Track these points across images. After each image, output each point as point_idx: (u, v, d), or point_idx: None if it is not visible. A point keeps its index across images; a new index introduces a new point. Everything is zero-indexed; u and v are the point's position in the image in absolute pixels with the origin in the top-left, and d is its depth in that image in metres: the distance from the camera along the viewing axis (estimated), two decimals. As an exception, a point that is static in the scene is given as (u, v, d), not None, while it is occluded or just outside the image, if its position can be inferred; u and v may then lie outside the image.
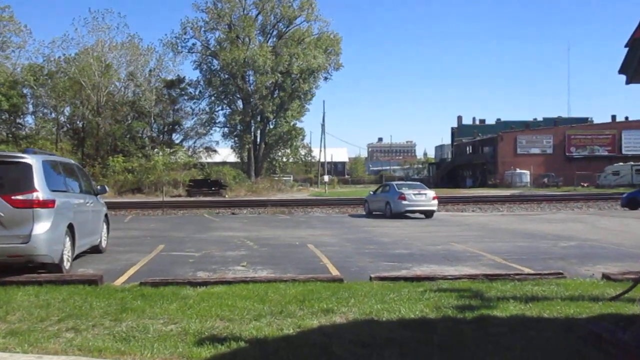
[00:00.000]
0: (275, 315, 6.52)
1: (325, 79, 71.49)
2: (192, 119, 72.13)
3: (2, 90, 63.04)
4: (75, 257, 10.80)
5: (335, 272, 9.71)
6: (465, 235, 16.77)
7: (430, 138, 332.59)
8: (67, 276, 8.47)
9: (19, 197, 8.48)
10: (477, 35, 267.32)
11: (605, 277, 8.74)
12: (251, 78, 67.64)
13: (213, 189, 55.00)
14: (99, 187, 12.26)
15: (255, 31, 67.99)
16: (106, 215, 12.63)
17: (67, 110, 71.34)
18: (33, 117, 71.44)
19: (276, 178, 69.77)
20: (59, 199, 9.13)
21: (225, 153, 74.06)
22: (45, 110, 71.73)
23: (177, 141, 71.15)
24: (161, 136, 71.75)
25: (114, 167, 58.87)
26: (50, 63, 68.86)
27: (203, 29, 68.44)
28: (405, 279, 8.60)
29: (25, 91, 67.41)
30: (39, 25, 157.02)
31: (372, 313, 6.59)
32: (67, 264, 9.30)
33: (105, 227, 12.51)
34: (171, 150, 64.99)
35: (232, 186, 58.19)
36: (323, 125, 75.67)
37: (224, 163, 69.16)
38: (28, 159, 8.82)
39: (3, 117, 66.55)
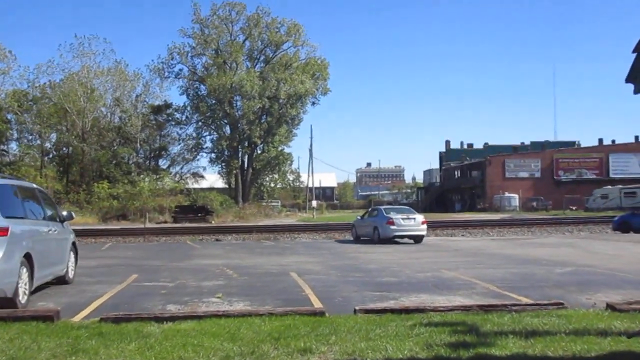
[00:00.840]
0: (246, 356, 5.77)
1: (313, 103, 71.38)
2: (179, 144, 71.58)
3: (-14, 117, 62.20)
4: (37, 290, 10.00)
5: (317, 304, 8.97)
6: (456, 261, 16.08)
7: (418, 163, 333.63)
8: (19, 312, 7.63)
9: None
10: (463, 60, 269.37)
11: (610, 307, 8.04)
12: (238, 103, 67.32)
13: (199, 215, 54.11)
14: (65, 213, 11.43)
15: (243, 56, 67.81)
16: (74, 244, 11.82)
17: (53, 136, 70.52)
18: (17, 143, 70.41)
19: (264, 204, 69.01)
20: (15, 226, 8.34)
21: (213, 179, 73.31)
22: (30, 137, 70.78)
23: (163, 167, 70.37)
24: (147, 162, 70.95)
25: (99, 193, 57.84)
26: (35, 89, 68.16)
27: (190, 54, 68.28)
28: (393, 311, 7.85)
29: (9, 117, 66.47)
30: (23, 51, 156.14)
31: (355, 353, 5.85)
32: (23, 298, 8.48)
33: (72, 256, 11.69)
34: (157, 176, 64.10)
35: (219, 212, 57.31)
36: (311, 151, 75.15)
37: (211, 189, 68.33)
38: None
39: (-13, 144, 65.59)
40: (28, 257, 8.70)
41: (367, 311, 7.86)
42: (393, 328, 6.84)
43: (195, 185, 70.40)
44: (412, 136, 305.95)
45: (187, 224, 45.42)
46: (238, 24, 68.38)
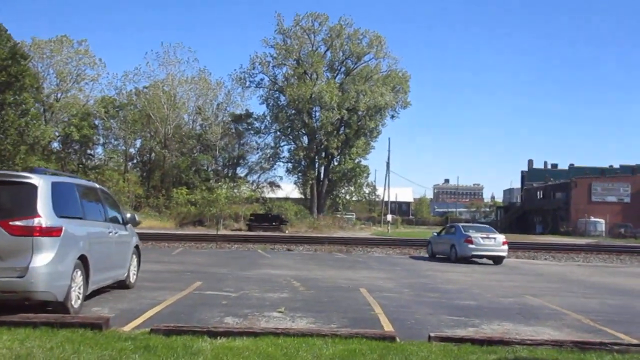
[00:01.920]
0: (301, 385, 5.02)
1: (392, 117, 70.13)
2: (257, 153, 72.00)
3: (74, 122, 64.66)
4: (95, 294, 9.63)
5: (387, 326, 8.11)
6: (540, 286, 14.78)
7: (498, 181, 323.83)
8: (68, 318, 7.19)
9: (17, 223, 7.32)
10: (549, 78, 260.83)
11: None
12: (317, 114, 66.99)
13: (274, 224, 54.18)
14: (129, 215, 11.06)
15: (323, 67, 67.62)
16: (137, 247, 11.42)
17: (137, 142, 72.66)
18: (103, 148, 72.93)
19: (338, 215, 68.35)
20: (69, 226, 7.93)
21: (289, 189, 73.32)
22: (115, 142, 73.16)
23: (241, 175, 71.03)
24: (225, 169, 71.82)
25: (177, 199, 58.90)
26: (122, 96, 70.45)
27: (271, 64, 68.61)
28: (473, 341, 6.90)
29: (96, 122, 68.92)
30: (112, 59, 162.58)
31: (429, 390, 4.99)
32: (76, 303, 8.04)
33: (135, 260, 11.31)
34: (234, 184, 64.74)
35: (293, 222, 57.19)
36: (388, 164, 73.95)
37: (286, 199, 68.32)
38: (33, 179, 7.69)
39: (74, 147, 68.16)
40: (83, 260, 8.29)
41: (444, 339, 6.95)
42: (474, 362, 5.92)
43: (272, 195, 70.67)
44: (493, 154, 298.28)
45: (261, 233, 45.42)
46: (320, 35, 68.34)
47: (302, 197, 72.09)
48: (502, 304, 10.95)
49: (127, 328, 7.34)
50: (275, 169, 73.07)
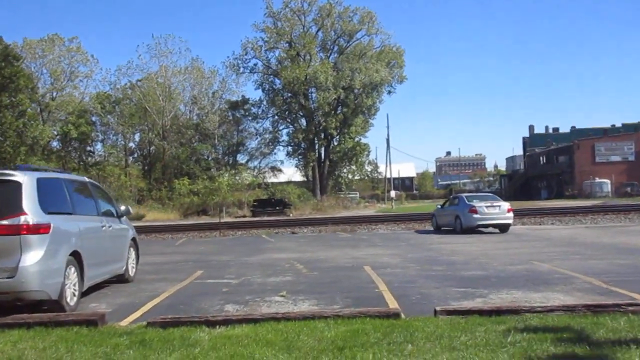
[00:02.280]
0: (302, 371, 4.79)
1: (389, 92, 69.54)
2: (256, 139, 71.64)
3: (72, 119, 64.40)
4: (93, 289, 9.43)
5: (392, 303, 7.88)
6: (549, 251, 14.55)
7: (500, 150, 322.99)
8: (62, 316, 6.95)
9: (3, 222, 7.07)
10: (545, 40, 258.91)
11: None
12: (313, 95, 66.54)
13: (277, 208, 54.03)
14: (122, 208, 10.80)
15: (316, 48, 66.92)
16: (134, 240, 11.19)
17: (136, 136, 72.40)
18: (102, 144, 72.71)
19: (342, 195, 68.12)
20: (58, 222, 7.68)
21: (290, 172, 73.06)
22: (114, 137, 72.92)
23: (242, 162, 70.75)
24: (226, 157, 71.55)
25: (179, 190, 58.70)
26: (117, 90, 70.04)
27: (263, 48, 67.92)
28: (481, 312, 6.66)
29: (93, 119, 68.61)
30: (104, 55, 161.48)
31: (436, 367, 4.76)
32: (71, 300, 7.83)
33: (133, 253, 11.09)
34: (235, 171, 64.55)
35: (296, 205, 57.00)
36: (388, 140, 73.59)
37: (289, 182, 68.07)
38: (17, 176, 7.43)
39: (74, 145, 67.93)
40: (76, 256, 8.06)
41: (450, 312, 6.71)
42: (482, 334, 5.68)
43: (274, 179, 70.46)
44: (493, 123, 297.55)
45: (265, 218, 45.28)
46: (310, 15, 67.59)
47: (305, 179, 71.86)
48: (510, 272, 10.72)
49: (124, 323, 7.12)
50: (275, 154, 72.82)
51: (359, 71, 63.68)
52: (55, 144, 67.33)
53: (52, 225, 7.43)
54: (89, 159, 70.11)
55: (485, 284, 9.34)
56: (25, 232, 7.08)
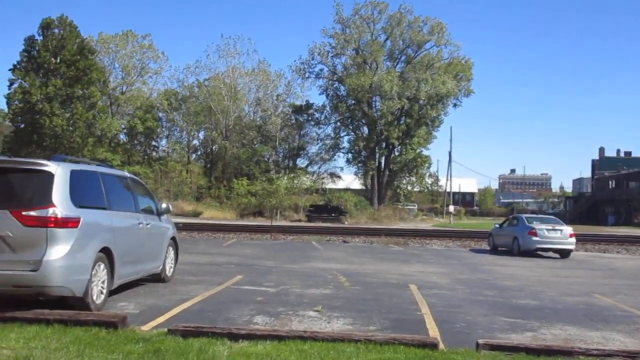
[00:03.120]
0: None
1: (455, 105, 68.21)
2: (317, 144, 71.57)
3: (139, 114, 65.99)
4: (127, 287, 9.20)
5: (432, 330, 7.29)
6: (612, 284, 13.55)
7: (567, 171, 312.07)
8: (83, 315, 6.69)
9: (31, 213, 6.85)
10: (621, 62, 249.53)
11: None
12: (377, 103, 65.94)
13: (333, 215, 53.74)
14: (163, 205, 10.54)
15: (383, 56, 66.33)
16: (174, 239, 10.92)
17: (200, 134, 73.55)
18: (167, 140, 74.16)
19: (399, 206, 67.13)
20: (89, 216, 7.45)
21: (349, 179, 72.60)
22: (178, 134, 74.30)
23: (301, 166, 70.74)
24: (285, 160, 71.76)
25: (238, 189, 59.17)
26: (184, 88, 71.35)
27: (330, 54, 67.82)
28: (528, 350, 6.00)
29: (160, 115, 70.05)
30: (174, 52, 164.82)
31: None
32: (98, 298, 7.57)
33: (172, 252, 10.83)
34: (294, 175, 64.62)
35: (352, 213, 56.50)
36: (450, 153, 71.99)
37: (347, 190, 67.62)
38: (50, 167, 7.21)
39: (139, 139, 69.53)
40: (107, 252, 7.81)
41: (494, 347, 6.08)
42: (526, 378, 5.06)
43: (332, 186, 70.13)
44: (561, 142, 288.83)
45: (320, 224, 44.96)
46: (380, 23, 67.11)
47: (363, 187, 71.20)
48: (567, 304, 9.92)
49: (146, 327, 6.80)
50: (335, 160, 72.52)
51: (425, 82, 62.70)
52: (122, 136, 69.13)
53: (81, 219, 7.19)
54: (153, 153, 71.62)
55: (537, 316, 8.62)
56: (52, 225, 6.85)
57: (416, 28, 65.91)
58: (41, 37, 56.37)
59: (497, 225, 25.01)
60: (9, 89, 56.31)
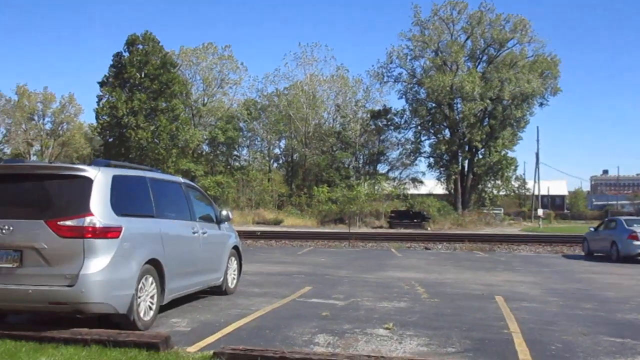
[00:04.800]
0: None
1: (541, 104, 65.06)
2: (398, 149, 70.17)
3: (220, 124, 66.98)
4: (184, 300, 8.59)
5: (522, 353, 6.20)
6: None
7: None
8: (122, 335, 6.04)
9: (67, 223, 6.28)
10: None
11: None
12: (459, 106, 63.88)
13: (415, 220, 52.38)
14: (224, 213, 9.86)
15: (464, 57, 64.20)
16: (236, 248, 10.23)
17: (281, 143, 73.90)
18: (247, 149, 74.89)
19: (485, 211, 64.67)
20: (133, 225, 6.84)
21: (431, 184, 70.79)
22: (259, 143, 74.90)
23: (382, 172, 69.61)
24: (366, 167, 70.82)
25: (318, 197, 58.77)
26: (263, 97, 71.90)
27: (409, 57, 66.31)
28: (645, 382, 4.86)
29: (240, 125, 70.86)
30: (252, 61, 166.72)
31: None
32: (146, 315, 6.95)
33: (235, 262, 10.16)
34: (374, 181, 63.62)
35: (435, 218, 54.89)
36: (537, 155, 69.09)
37: (429, 195, 65.87)
38: (89, 172, 6.64)
39: (221, 149, 70.55)
40: (156, 264, 7.19)
41: (600, 378, 4.96)
42: None
43: (413, 191, 68.57)
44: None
45: (402, 230, 43.77)
46: (459, 24, 65.02)
47: (446, 192, 69.15)
48: (683, 320, 8.51)
49: (193, 348, 6.10)
50: (416, 165, 70.81)
51: (509, 81, 60.13)
52: (204, 147, 70.38)
53: (123, 228, 6.58)
54: (235, 163, 72.51)
55: (649, 335, 7.32)
56: (90, 235, 6.26)
57: (498, 26, 63.45)
58: (127, 53, 58.29)
59: (592, 229, 23.12)
60: (98, 104, 58.48)
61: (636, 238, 19.19)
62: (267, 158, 74.40)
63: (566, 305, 9.67)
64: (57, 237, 6.24)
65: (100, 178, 6.62)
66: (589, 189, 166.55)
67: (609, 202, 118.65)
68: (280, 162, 77.55)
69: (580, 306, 9.61)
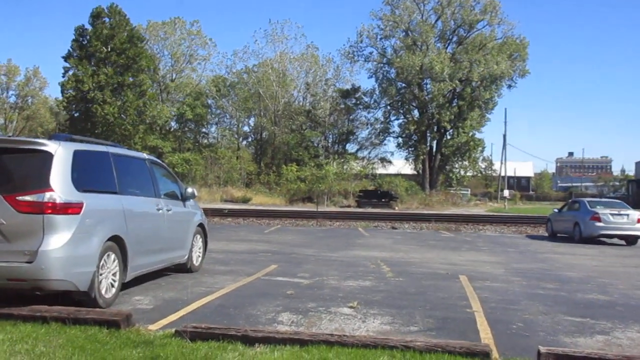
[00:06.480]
0: None
1: (509, 87, 65.69)
2: (367, 128, 70.24)
3: (188, 101, 66.12)
4: (148, 278, 8.48)
5: (484, 331, 6.27)
6: (688, 274, 12.14)
7: (629, 153, 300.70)
8: (83, 313, 5.93)
9: (26, 198, 6.12)
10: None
11: None
12: (428, 86, 64.11)
13: (383, 200, 52.59)
14: (189, 190, 9.75)
15: (434, 37, 64.31)
16: (201, 226, 10.14)
17: (250, 121, 73.32)
18: (216, 126, 74.19)
19: (452, 191, 65.32)
20: (95, 201, 6.69)
21: (400, 164, 71.16)
22: (228, 120, 74.21)
23: (351, 151, 69.68)
24: (335, 146, 70.80)
25: (287, 175, 58.63)
26: (232, 74, 71.12)
27: (379, 36, 66.15)
28: (602, 360, 4.93)
29: (209, 102, 70.07)
30: (221, 38, 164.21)
31: None
32: (107, 292, 6.84)
33: (200, 240, 10.07)
34: (343, 160, 63.64)
35: (403, 198, 55.18)
36: (504, 136, 70.12)
37: (397, 175, 66.23)
38: (49, 146, 6.45)
39: (189, 126, 69.78)
40: (118, 241, 7.06)
41: (560, 357, 5.00)
42: (603, 402, 4.01)
43: (382, 171, 68.90)
44: (622, 124, 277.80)
45: (370, 209, 43.97)
46: (430, 4, 64.96)
47: (414, 172, 69.61)
48: (640, 299, 8.71)
49: (155, 326, 6.01)
50: (385, 145, 71.08)
51: (478, 63, 60.49)
52: (172, 124, 69.50)
53: (84, 204, 6.43)
54: (203, 140, 71.83)
55: (608, 314, 7.46)
56: (49, 211, 6.10)
57: (468, 7, 63.55)
58: (91, 27, 56.89)
59: (556, 210, 23.52)
60: (63, 77, 57.09)
61: (598, 219, 19.54)
62: (235, 136, 73.82)
63: (528, 285, 9.80)
64: (15, 213, 6.07)
65: (60, 153, 6.44)
66: (554, 170, 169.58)
67: (574, 184, 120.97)
68: (249, 140, 76.94)
69: (542, 286, 9.76)
